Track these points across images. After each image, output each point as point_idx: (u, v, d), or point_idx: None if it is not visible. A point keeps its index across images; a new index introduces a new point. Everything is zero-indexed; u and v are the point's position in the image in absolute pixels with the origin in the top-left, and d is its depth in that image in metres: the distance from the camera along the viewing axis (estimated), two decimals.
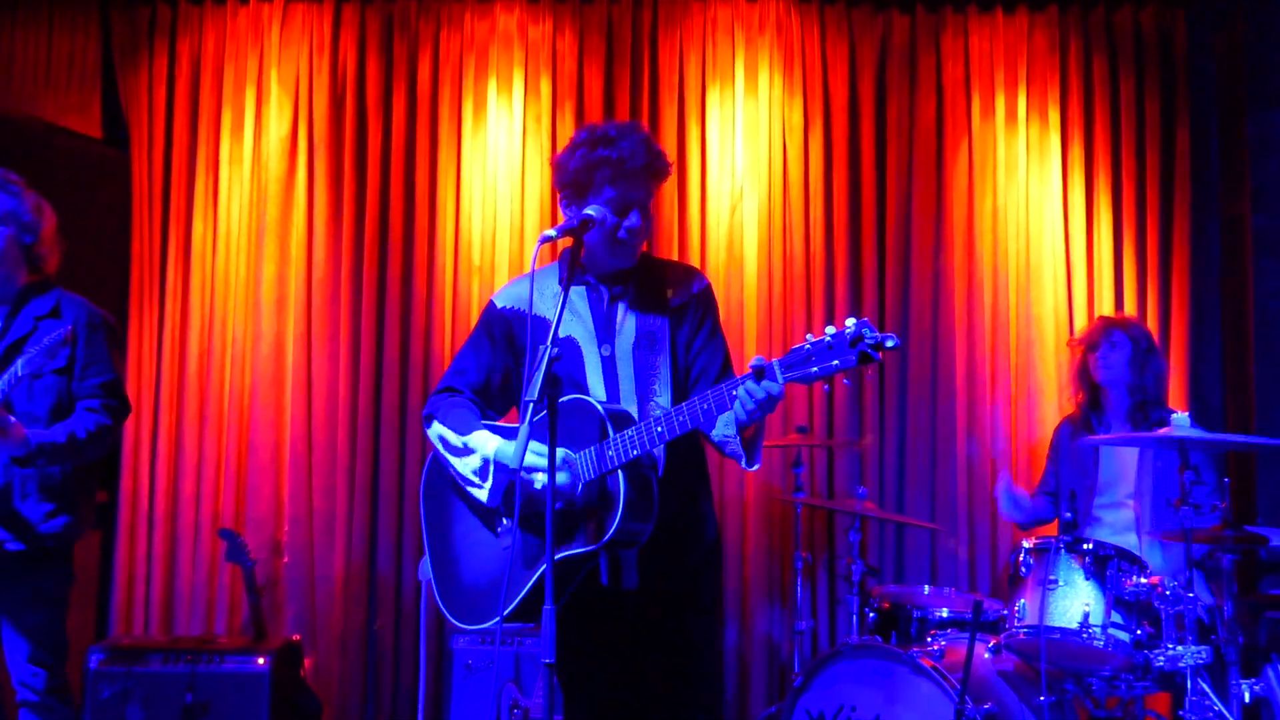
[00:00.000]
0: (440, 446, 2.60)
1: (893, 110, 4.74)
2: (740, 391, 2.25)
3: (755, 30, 4.75)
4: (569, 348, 2.52)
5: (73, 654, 3.32)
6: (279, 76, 4.73)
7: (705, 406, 2.28)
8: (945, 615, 3.72)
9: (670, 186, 4.71)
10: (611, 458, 2.35)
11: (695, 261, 4.67)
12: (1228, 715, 3.15)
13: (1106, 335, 3.95)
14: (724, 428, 2.44)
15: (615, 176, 2.46)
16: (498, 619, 2.43)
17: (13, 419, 2.90)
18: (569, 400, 2.44)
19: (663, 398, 2.50)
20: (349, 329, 4.65)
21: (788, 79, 4.74)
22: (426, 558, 2.67)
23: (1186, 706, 3.10)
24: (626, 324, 2.55)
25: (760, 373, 2.22)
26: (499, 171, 4.70)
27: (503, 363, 2.63)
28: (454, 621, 2.58)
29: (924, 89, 4.74)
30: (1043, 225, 4.69)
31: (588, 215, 2.45)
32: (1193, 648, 3.12)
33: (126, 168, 4.72)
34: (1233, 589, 3.30)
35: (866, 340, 2.12)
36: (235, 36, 4.74)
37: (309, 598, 4.56)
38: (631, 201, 2.49)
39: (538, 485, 2.39)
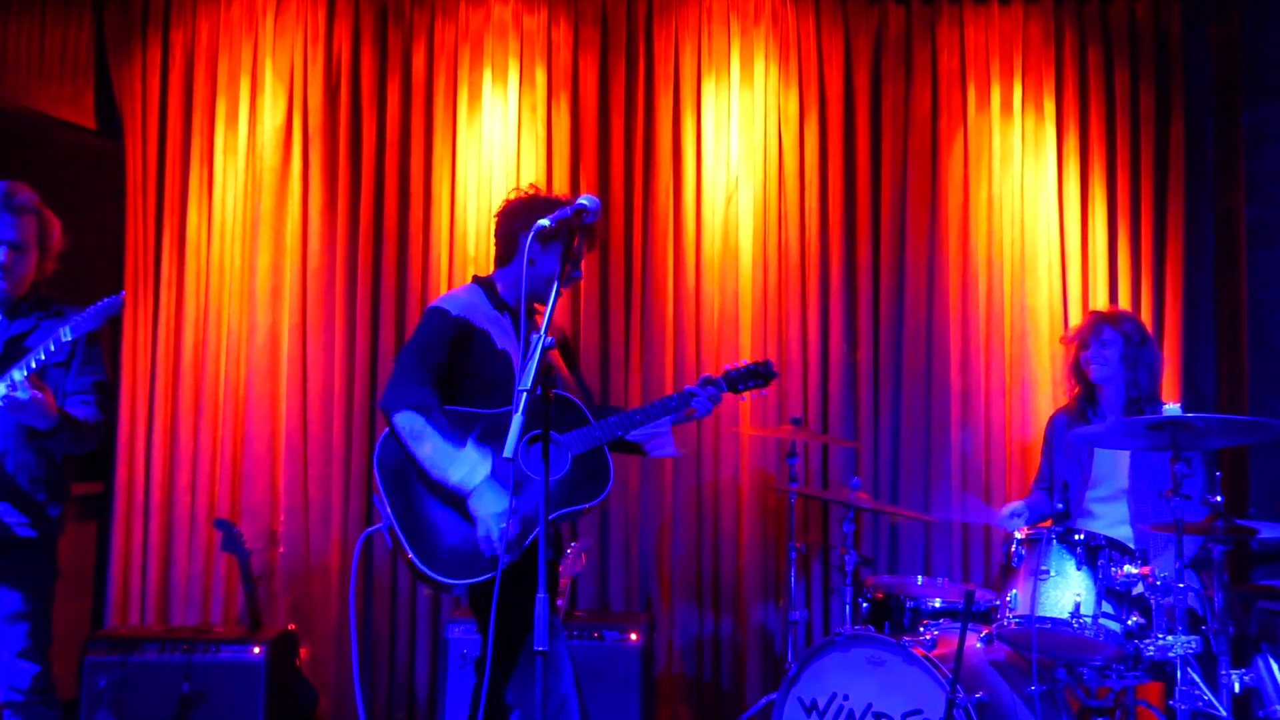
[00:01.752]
0: (411, 438, 2.90)
1: (888, 101, 4.74)
2: (706, 391, 3.18)
3: (751, 21, 4.75)
4: (505, 360, 3.01)
5: (69, 644, 3.33)
6: (273, 66, 4.72)
7: (672, 403, 3.12)
8: (938, 605, 3.73)
9: (666, 177, 4.72)
10: (598, 437, 3.00)
11: (690, 251, 4.68)
12: (1217, 705, 3.17)
13: (1097, 333, 3.94)
14: (664, 425, 3.21)
15: (588, 243, 3.09)
16: (491, 573, 2.78)
17: (40, 394, 2.92)
18: (555, 394, 2.91)
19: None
20: (344, 319, 4.65)
21: (783, 69, 4.74)
22: (387, 525, 2.91)
23: (1176, 696, 3.12)
24: (536, 346, 3.01)
25: (710, 383, 3.19)
26: (494, 162, 4.70)
27: (448, 360, 3.02)
28: (443, 579, 2.86)
29: (919, 80, 4.75)
30: (1038, 216, 4.70)
31: (580, 204, 2.47)
32: (1183, 638, 3.14)
33: (120, 159, 4.72)
34: (1223, 579, 3.31)
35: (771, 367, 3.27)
36: (229, 26, 4.73)
37: (305, 587, 4.57)
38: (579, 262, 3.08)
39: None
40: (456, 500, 2.89)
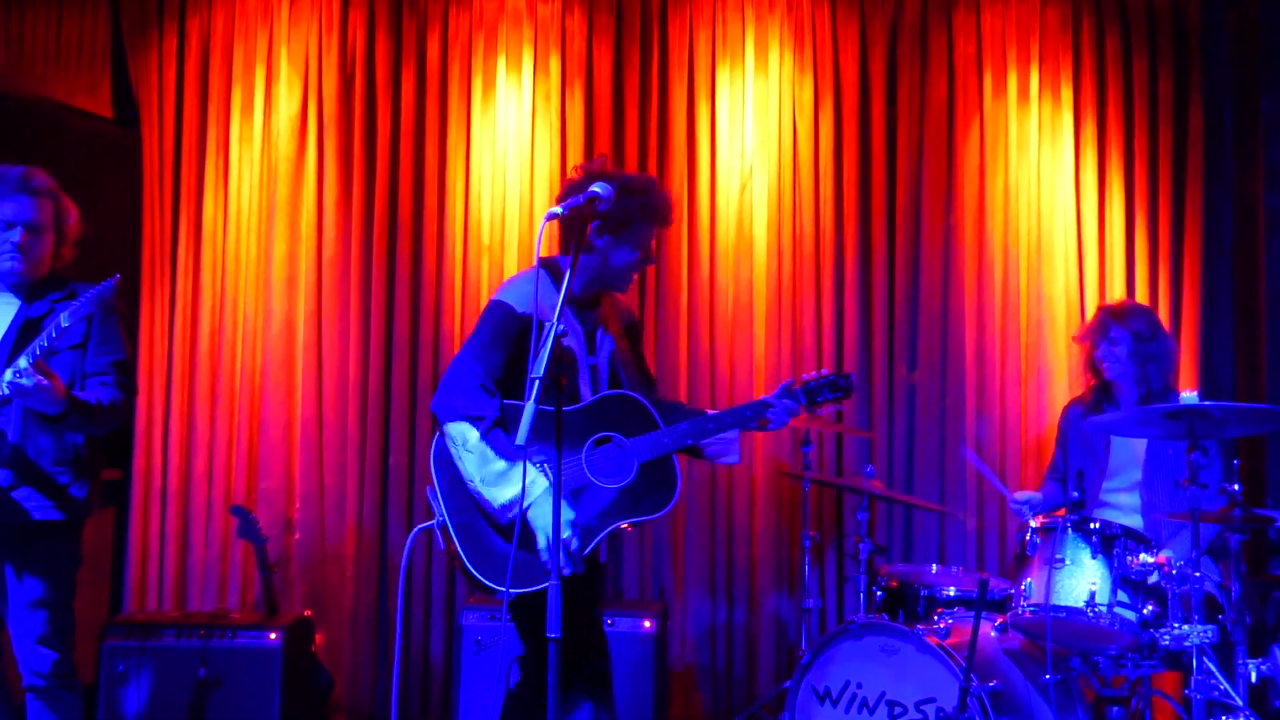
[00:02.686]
0: (462, 449, 2.77)
1: (904, 88, 4.72)
2: (784, 402, 2.94)
3: (765, 8, 4.73)
4: (570, 360, 2.88)
5: (87, 629, 3.35)
6: (288, 55, 4.73)
7: (748, 413, 2.90)
8: (952, 594, 3.73)
9: (680, 165, 4.71)
10: (666, 444, 2.83)
11: (705, 240, 4.68)
12: (1234, 694, 3.15)
13: (1104, 333, 3.91)
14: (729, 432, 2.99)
15: (657, 223, 2.91)
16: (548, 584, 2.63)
17: (48, 381, 2.93)
18: (613, 395, 2.89)
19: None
20: (359, 307, 4.67)
21: (798, 57, 4.72)
22: (440, 523, 2.82)
23: (1192, 685, 3.11)
24: (605, 342, 2.98)
25: (789, 392, 2.95)
26: (508, 150, 4.70)
27: (510, 359, 2.85)
28: (493, 585, 2.75)
29: (935, 67, 4.72)
30: (1054, 204, 4.67)
31: (594, 192, 2.47)
32: (1199, 627, 3.12)
33: (137, 147, 4.74)
34: (1240, 569, 3.29)
35: (849, 381, 2.99)
36: (244, 15, 4.74)
37: (320, 574, 4.59)
38: (651, 242, 2.94)
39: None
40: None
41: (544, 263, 2.88)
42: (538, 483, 2.70)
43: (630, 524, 2.80)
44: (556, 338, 2.31)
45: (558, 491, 2.34)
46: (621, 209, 2.72)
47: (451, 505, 2.79)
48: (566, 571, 2.62)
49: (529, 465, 2.70)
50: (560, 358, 2.37)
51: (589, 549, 2.75)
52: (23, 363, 2.88)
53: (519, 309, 2.81)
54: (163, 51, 4.75)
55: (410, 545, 2.95)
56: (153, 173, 4.73)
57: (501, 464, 2.70)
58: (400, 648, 3.14)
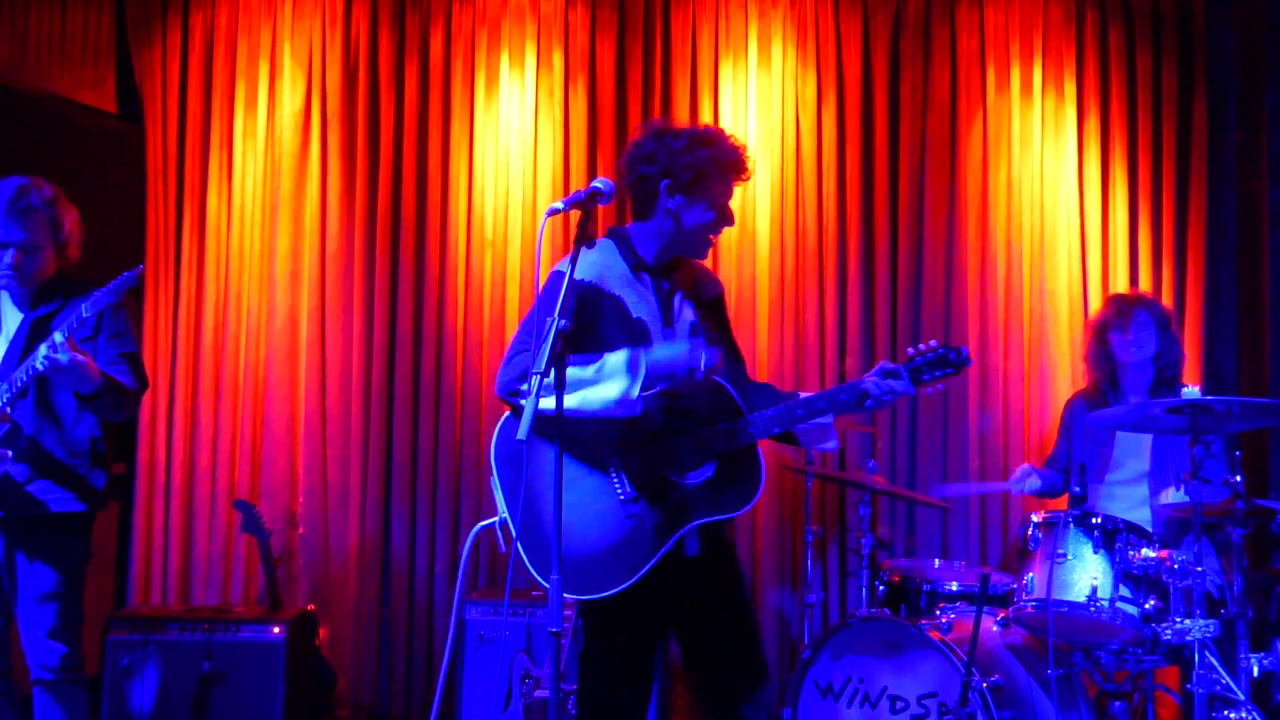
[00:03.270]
0: (508, 397, 2.60)
1: (907, 83, 4.71)
2: (877, 384, 2.58)
3: (769, 3, 4.72)
4: (640, 329, 2.66)
5: (92, 622, 3.36)
6: (292, 50, 4.73)
7: (844, 397, 2.59)
8: (955, 589, 3.73)
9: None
10: (750, 434, 2.57)
11: None
12: (1235, 689, 3.16)
13: (1134, 316, 3.91)
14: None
15: (724, 176, 2.67)
16: (623, 585, 2.55)
17: (84, 358, 2.94)
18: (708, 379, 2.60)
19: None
20: (363, 302, 4.67)
21: (801, 52, 4.71)
22: (502, 522, 2.63)
23: (1194, 680, 3.11)
24: (684, 312, 2.72)
25: (893, 374, 2.59)
26: (511, 145, 4.70)
27: (573, 326, 2.65)
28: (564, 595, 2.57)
29: (938, 61, 4.71)
30: (1057, 199, 4.67)
31: (595, 187, 2.46)
32: (1200, 621, 3.12)
33: (141, 142, 4.75)
34: (1243, 563, 3.30)
35: (960, 356, 2.61)
36: (248, 10, 4.75)
37: (323, 568, 4.61)
38: (724, 199, 2.70)
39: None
40: (586, 498, 2.59)
41: (611, 232, 2.75)
42: (639, 360, 2.49)
43: (714, 522, 2.54)
44: (559, 332, 2.29)
45: (559, 495, 2.29)
46: (691, 163, 2.59)
47: (514, 501, 2.60)
48: (710, 361, 2.47)
49: (615, 358, 2.50)
50: (563, 357, 2.34)
51: (664, 550, 2.53)
52: (58, 337, 2.89)
53: (576, 274, 2.57)
54: (167, 46, 4.75)
55: (470, 544, 2.79)
56: (156, 167, 4.74)
57: (588, 370, 2.50)
58: (451, 645, 3.03)
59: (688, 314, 2.71)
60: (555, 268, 2.69)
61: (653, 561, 2.52)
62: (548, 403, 2.33)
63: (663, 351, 2.55)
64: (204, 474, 4.63)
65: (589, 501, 2.60)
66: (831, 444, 2.76)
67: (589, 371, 2.53)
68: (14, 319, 3.18)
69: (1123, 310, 3.94)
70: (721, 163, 2.64)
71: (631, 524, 2.54)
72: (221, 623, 4.04)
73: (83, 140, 4.61)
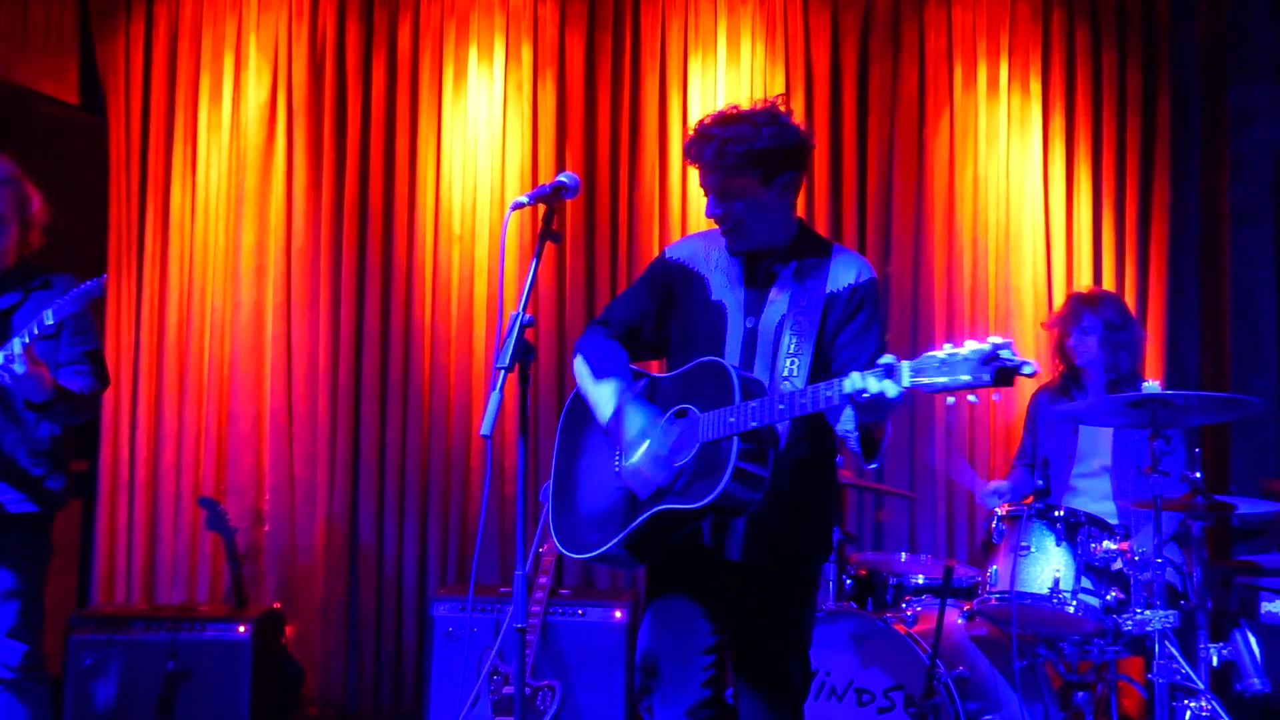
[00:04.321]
0: (580, 380, 2.60)
1: (875, 80, 4.73)
2: (854, 378, 2.15)
3: None
4: (718, 313, 2.55)
5: (54, 622, 3.33)
6: (257, 42, 4.69)
7: (828, 394, 2.21)
8: (921, 582, 3.76)
9: (651, 155, 4.70)
10: (731, 424, 2.31)
11: (676, 230, 4.66)
12: (1195, 678, 3.20)
13: (1076, 320, 3.94)
14: (846, 422, 2.39)
15: (696, 166, 2.53)
16: (595, 552, 2.47)
17: (39, 369, 2.90)
18: (706, 360, 2.44)
19: (798, 380, 2.44)
20: (329, 297, 4.64)
21: (770, 48, 4.72)
22: (550, 482, 2.65)
23: (1155, 670, 3.15)
24: (777, 301, 2.54)
25: (889, 372, 2.13)
26: (479, 139, 4.69)
27: (656, 309, 2.64)
28: (560, 549, 2.57)
29: (906, 59, 4.73)
30: (1023, 196, 4.70)
31: (560, 182, 2.45)
32: (1161, 612, 3.16)
33: (104, 134, 4.69)
34: (1203, 555, 3.34)
35: (1003, 360, 2.00)
36: (213, 2, 4.70)
37: (290, 565, 4.57)
38: (705, 189, 2.53)
39: (633, 460, 2.42)
40: (597, 462, 2.54)
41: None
42: (622, 401, 2.46)
43: (670, 512, 2.38)
44: (523, 326, 2.29)
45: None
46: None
47: (559, 464, 2.62)
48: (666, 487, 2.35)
49: (610, 388, 2.48)
50: (528, 349, 2.33)
51: (628, 531, 2.42)
52: (17, 347, 2.85)
53: (669, 256, 2.65)
54: (130, 37, 4.70)
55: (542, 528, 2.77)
56: (120, 160, 4.69)
57: (594, 383, 2.51)
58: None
59: (780, 304, 2.52)
60: (664, 252, 2.68)
61: (619, 537, 2.43)
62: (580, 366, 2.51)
63: (636, 454, 2.42)
64: (168, 471, 4.58)
65: (599, 465, 2.54)
66: (850, 441, 2.44)
67: (588, 372, 2.55)
68: None
69: (1072, 313, 3.97)
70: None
71: (620, 494, 2.47)
72: (187, 621, 4.01)
73: (44, 131, 4.55)
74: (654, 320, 2.63)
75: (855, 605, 3.63)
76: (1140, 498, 3.56)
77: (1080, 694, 3.51)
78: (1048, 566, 3.30)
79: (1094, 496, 3.92)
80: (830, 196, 4.70)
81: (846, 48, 4.73)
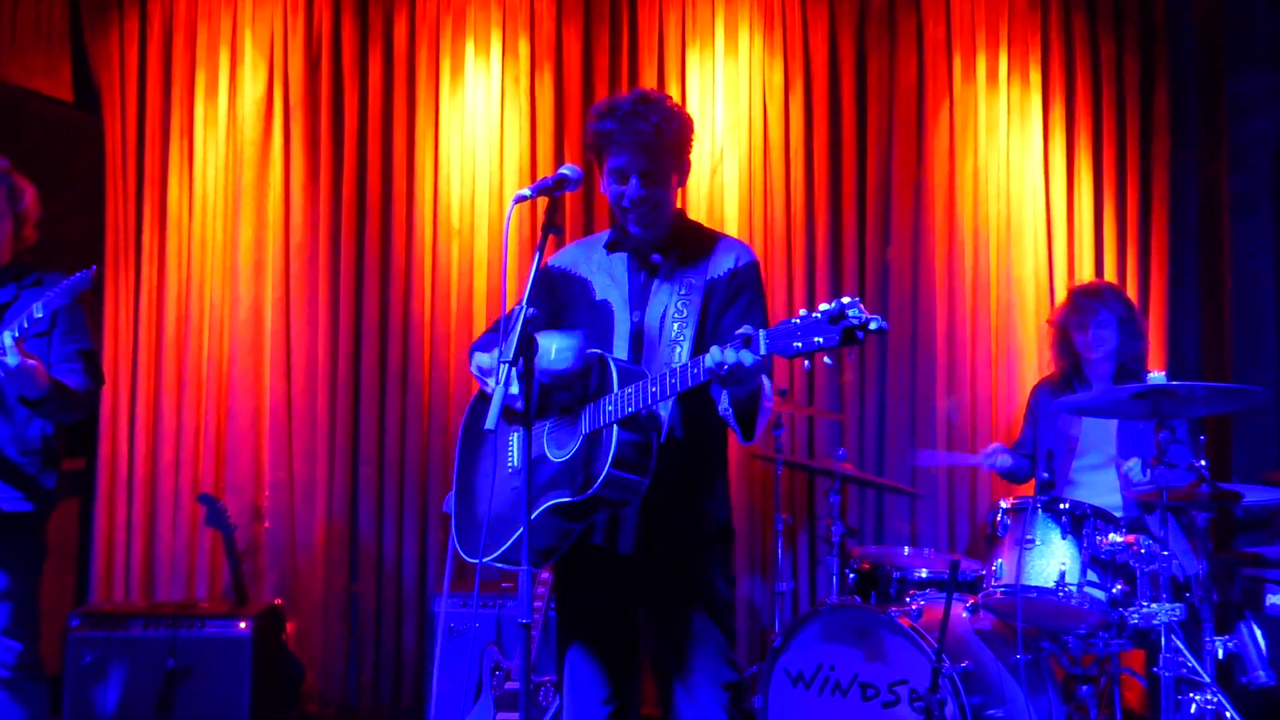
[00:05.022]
0: (477, 373, 2.60)
1: (873, 71, 4.71)
2: (714, 352, 2.19)
3: None
4: (604, 312, 2.56)
5: (53, 620, 3.31)
6: (253, 37, 4.66)
7: (695, 371, 2.24)
8: (924, 575, 3.74)
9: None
10: (609, 412, 2.33)
11: None
12: (1201, 671, 3.19)
13: (1091, 315, 3.92)
14: (724, 401, 2.41)
15: (615, 148, 2.48)
16: (487, 559, 2.47)
17: (33, 362, 2.87)
18: (588, 354, 2.44)
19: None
20: (327, 293, 4.62)
21: (768, 39, 4.70)
22: (452, 492, 2.69)
23: (1160, 663, 3.14)
24: (661, 293, 2.56)
25: (746, 341, 2.18)
26: (477, 133, 4.66)
27: (545, 317, 2.61)
28: (461, 554, 2.59)
29: (904, 49, 4.72)
30: (1023, 186, 4.69)
31: (562, 174, 2.43)
32: (1167, 605, 3.15)
33: (99, 132, 4.67)
34: (1208, 547, 3.33)
35: (850, 319, 2.07)
36: None
37: (290, 562, 4.56)
38: (627, 171, 2.49)
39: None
40: (489, 465, 2.56)
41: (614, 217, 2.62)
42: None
43: (554, 504, 2.39)
44: (526, 320, 2.27)
45: (528, 476, 2.29)
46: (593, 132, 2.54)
47: (460, 473, 2.64)
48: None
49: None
50: (529, 340, 2.31)
51: (519, 533, 2.38)
52: (7, 340, 2.81)
53: (551, 264, 2.67)
54: (124, 33, 4.67)
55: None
56: (115, 158, 4.66)
57: (490, 357, 2.49)
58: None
59: (662, 296, 2.54)
60: (547, 262, 2.66)
61: (511, 539, 2.44)
62: (478, 358, 2.48)
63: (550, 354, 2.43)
64: (167, 468, 4.56)
65: (492, 471, 2.56)
66: (731, 422, 2.46)
67: (488, 359, 2.53)
68: None
69: (1083, 309, 3.95)
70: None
71: (514, 495, 2.47)
72: (186, 619, 3.99)
73: (38, 129, 4.52)
74: (543, 326, 2.58)
75: (858, 599, 3.62)
76: (1144, 489, 3.56)
77: (1084, 687, 3.50)
78: (1053, 559, 3.29)
79: (1098, 489, 3.91)
80: (830, 188, 4.69)
81: (844, 38, 4.71)
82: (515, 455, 2.55)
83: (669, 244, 2.58)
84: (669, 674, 2.54)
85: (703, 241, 2.61)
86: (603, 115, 2.49)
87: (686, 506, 2.54)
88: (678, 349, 2.49)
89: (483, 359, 2.56)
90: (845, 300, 2.09)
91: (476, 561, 2.49)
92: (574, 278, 2.60)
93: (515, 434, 2.55)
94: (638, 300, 2.56)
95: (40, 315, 2.82)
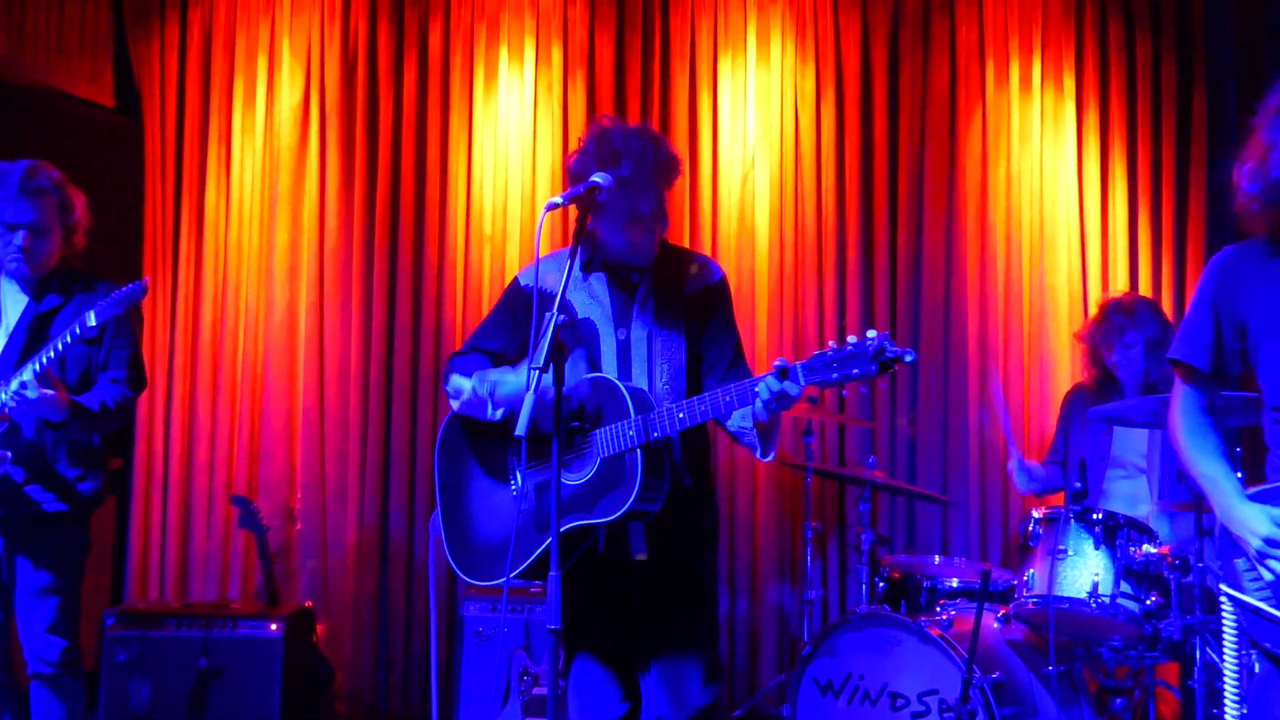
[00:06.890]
0: (451, 392, 2.67)
1: (905, 77, 4.69)
2: (761, 389, 2.32)
3: None
4: (587, 330, 2.63)
5: (89, 617, 3.36)
6: (290, 45, 4.72)
7: (728, 399, 2.38)
8: (955, 585, 3.71)
9: (682, 156, 4.62)
10: (631, 437, 2.44)
11: (706, 231, 4.66)
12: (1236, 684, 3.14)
13: (1119, 335, 3.88)
14: (740, 419, 2.53)
15: (620, 191, 2.52)
16: (505, 579, 2.54)
17: (52, 392, 2.96)
18: (593, 378, 2.55)
19: (673, 384, 2.62)
20: (361, 297, 4.66)
21: (800, 46, 4.70)
22: (438, 513, 2.76)
23: (1195, 676, 3.10)
24: (644, 311, 2.64)
25: (784, 373, 2.30)
26: (510, 140, 4.69)
27: (522, 337, 2.69)
28: (463, 577, 2.68)
29: (937, 55, 4.70)
30: (1057, 193, 4.65)
31: (594, 182, 2.44)
32: (1201, 617, 3.11)
33: (139, 136, 4.73)
34: None
35: (887, 353, 2.21)
36: (246, 4, 4.73)
37: (321, 564, 4.59)
38: (639, 214, 2.57)
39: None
40: (488, 489, 2.66)
41: (577, 234, 2.60)
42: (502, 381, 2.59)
43: (581, 526, 2.48)
44: (556, 327, 2.28)
45: (556, 486, 2.30)
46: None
47: (445, 496, 2.73)
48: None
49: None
50: (561, 346, 2.33)
51: (539, 552, 2.52)
52: (27, 375, 2.93)
53: (522, 281, 2.74)
54: (164, 40, 4.74)
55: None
56: (154, 162, 4.72)
57: (465, 382, 2.61)
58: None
59: (647, 313, 2.63)
60: (517, 278, 2.77)
61: (529, 560, 2.54)
62: (457, 380, 2.59)
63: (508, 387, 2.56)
64: (202, 469, 4.62)
65: (490, 493, 2.67)
66: (754, 446, 2.55)
67: (468, 382, 2.62)
68: (16, 308, 3.17)
69: (1111, 328, 3.91)
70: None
71: (522, 519, 2.57)
72: (219, 618, 4.03)
73: (80, 134, 4.59)
74: (516, 348, 2.70)
75: (888, 608, 3.60)
76: (1179, 500, 3.52)
77: (1117, 700, 3.48)
78: (1086, 570, 3.26)
79: (1130, 500, 3.87)
80: (861, 195, 4.67)
81: (876, 44, 4.70)
82: (519, 477, 2.63)
83: (647, 264, 2.67)
84: (649, 659, 2.64)
85: (674, 259, 2.73)
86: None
87: (689, 511, 2.64)
88: (666, 366, 2.62)
89: (461, 382, 2.63)
90: (875, 334, 2.23)
91: (484, 584, 2.63)
92: (550, 296, 2.56)
93: (513, 455, 2.63)
94: (621, 319, 2.64)
95: (94, 324, 2.92)
